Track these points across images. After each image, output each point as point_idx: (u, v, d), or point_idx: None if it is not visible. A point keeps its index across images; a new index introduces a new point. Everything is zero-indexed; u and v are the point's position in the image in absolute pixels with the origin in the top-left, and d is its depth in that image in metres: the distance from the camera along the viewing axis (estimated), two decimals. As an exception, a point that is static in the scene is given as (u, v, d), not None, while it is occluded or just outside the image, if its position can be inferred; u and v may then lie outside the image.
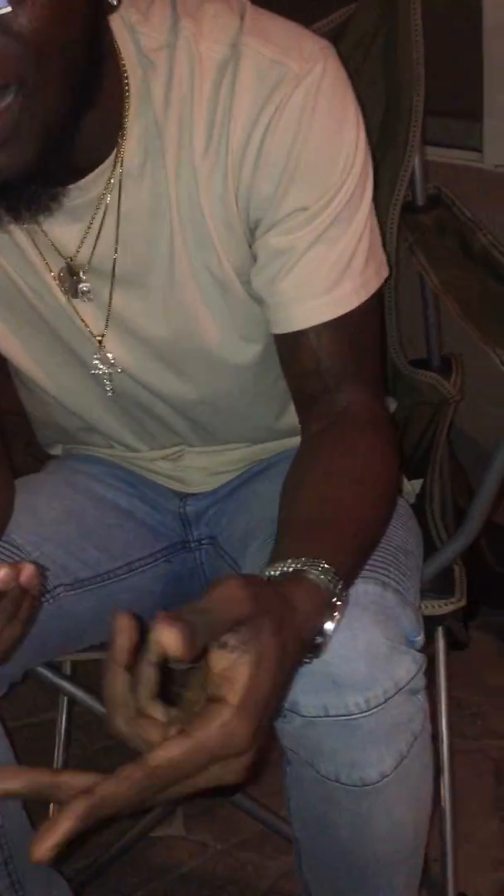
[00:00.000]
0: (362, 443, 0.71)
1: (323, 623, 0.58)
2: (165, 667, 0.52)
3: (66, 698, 1.10)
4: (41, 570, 0.59)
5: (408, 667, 0.64)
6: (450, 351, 1.12)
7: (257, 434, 0.87)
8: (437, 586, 0.79)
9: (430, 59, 0.98)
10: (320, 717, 0.62)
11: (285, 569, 0.57)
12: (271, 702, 0.51)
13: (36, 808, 0.85)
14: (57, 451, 0.99)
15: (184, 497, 0.93)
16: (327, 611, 0.58)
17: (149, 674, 0.52)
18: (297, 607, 0.54)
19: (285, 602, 0.54)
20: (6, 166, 0.59)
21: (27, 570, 0.58)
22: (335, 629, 0.58)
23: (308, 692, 0.62)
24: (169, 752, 0.48)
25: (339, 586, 0.58)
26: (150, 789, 0.49)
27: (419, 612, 0.69)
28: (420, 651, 0.66)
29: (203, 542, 0.94)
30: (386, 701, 0.62)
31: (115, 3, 0.62)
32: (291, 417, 0.85)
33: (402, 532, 0.76)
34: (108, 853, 1.11)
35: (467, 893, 1.02)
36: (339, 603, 0.58)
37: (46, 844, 0.46)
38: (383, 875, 0.72)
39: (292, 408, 0.85)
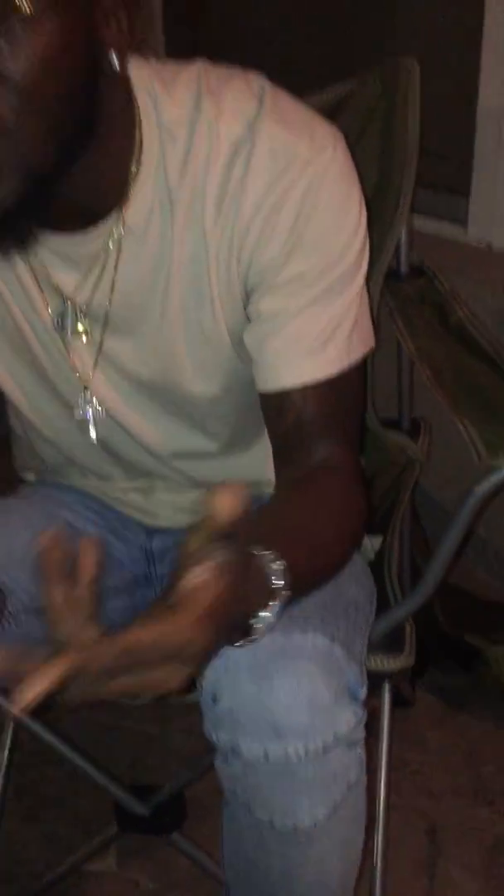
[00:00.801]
0: (335, 486, 0.74)
1: (261, 609, 0.61)
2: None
3: (11, 722, 1.11)
4: (2, 596, 0.60)
5: (348, 719, 0.66)
6: (419, 414, 1.16)
7: (229, 479, 0.90)
8: (388, 642, 0.81)
9: (423, 133, 1.03)
10: (259, 760, 0.64)
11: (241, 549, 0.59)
12: (221, 632, 0.55)
13: None
14: (30, 477, 1.02)
15: (151, 532, 0.95)
16: (268, 599, 0.61)
17: (86, 593, 0.55)
18: (246, 578, 0.58)
19: (242, 567, 0.57)
20: None
21: None
22: (266, 625, 0.61)
23: (250, 737, 0.64)
24: (140, 633, 0.51)
25: (284, 582, 0.61)
26: (117, 667, 0.51)
27: (363, 666, 0.71)
28: (362, 705, 0.68)
29: (164, 578, 0.96)
30: (325, 751, 0.64)
31: (116, 69, 0.65)
32: (264, 467, 0.88)
33: (354, 587, 0.79)
34: (39, 883, 1.10)
35: None
36: (278, 596, 0.61)
37: (30, 693, 0.48)
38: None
39: (266, 458, 0.88)
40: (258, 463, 0.89)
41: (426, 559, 1.11)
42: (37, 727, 0.97)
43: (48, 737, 0.94)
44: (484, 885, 1.13)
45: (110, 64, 0.64)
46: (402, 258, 1.08)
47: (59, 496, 0.96)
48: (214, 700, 0.68)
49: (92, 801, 1.22)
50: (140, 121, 0.70)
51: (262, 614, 0.61)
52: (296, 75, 0.86)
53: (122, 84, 0.69)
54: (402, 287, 1.08)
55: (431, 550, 1.14)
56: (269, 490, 0.87)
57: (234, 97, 0.71)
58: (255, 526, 0.62)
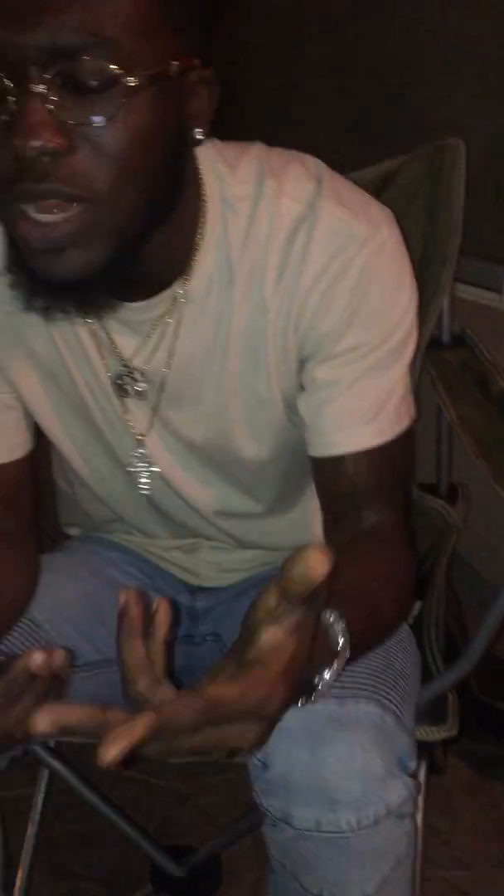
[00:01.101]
0: (385, 551, 0.76)
1: (323, 669, 0.61)
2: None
3: (46, 774, 1.11)
4: (70, 655, 0.62)
5: (400, 791, 0.67)
6: (457, 480, 1.18)
7: (273, 541, 0.92)
8: (430, 712, 0.82)
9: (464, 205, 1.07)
10: (312, 830, 0.65)
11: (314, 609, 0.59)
12: (296, 690, 0.55)
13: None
14: (73, 532, 1.03)
15: (194, 591, 0.97)
16: (330, 659, 0.61)
17: (160, 650, 0.55)
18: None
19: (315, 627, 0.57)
20: (76, 266, 0.64)
21: (59, 656, 0.60)
22: (326, 686, 0.62)
23: (303, 805, 0.65)
24: (222, 689, 0.52)
25: (345, 642, 0.62)
26: (198, 723, 0.51)
27: (414, 737, 0.72)
28: (412, 776, 0.69)
29: (207, 637, 0.97)
30: (376, 822, 0.65)
31: (199, 138, 0.68)
32: (305, 528, 0.90)
33: (402, 656, 0.80)
34: None
35: None
36: (340, 656, 0.62)
37: (115, 748, 0.49)
38: None
39: (307, 519, 0.90)
40: (300, 524, 0.91)
41: (458, 622, 1.11)
42: (74, 781, 0.97)
43: (86, 792, 0.95)
44: None
45: (193, 137, 0.68)
46: (444, 327, 1.11)
47: (105, 553, 0.98)
48: (265, 766, 0.68)
49: (120, 859, 1.21)
50: (205, 196, 0.73)
51: (325, 674, 0.62)
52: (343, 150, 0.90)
53: (193, 159, 0.73)
54: (444, 355, 1.11)
55: (462, 610, 1.15)
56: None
57: (295, 177, 0.74)
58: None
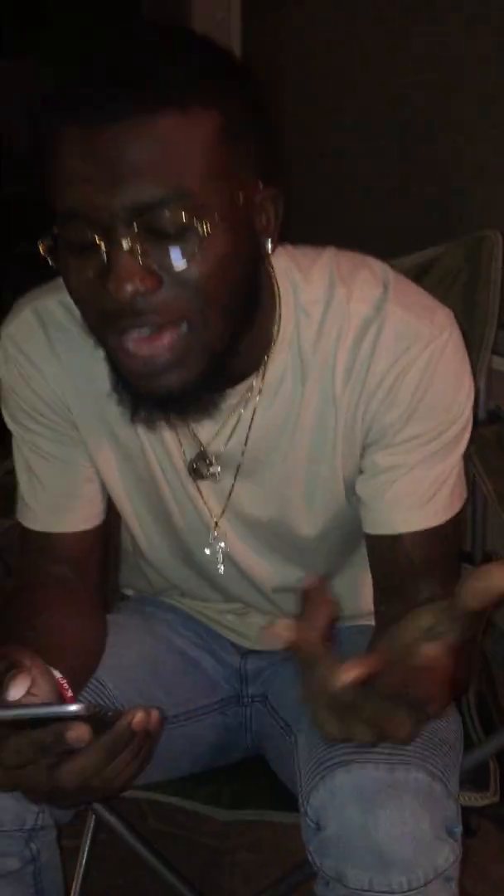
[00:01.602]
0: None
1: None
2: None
3: (91, 827, 1.15)
4: (162, 715, 0.67)
5: (447, 855, 0.71)
6: (491, 549, 1.23)
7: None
8: (472, 778, 0.86)
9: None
10: (364, 890, 0.69)
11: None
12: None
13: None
14: (129, 592, 1.09)
15: (245, 654, 1.02)
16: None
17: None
18: None
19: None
20: (175, 384, 0.72)
21: (155, 715, 0.66)
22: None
23: (356, 865, 0.69)
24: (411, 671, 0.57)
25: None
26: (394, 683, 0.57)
27: (458, 804, 0.77)
28: (457, 841, 0.73)
29: (255, 698, 1.02)
30: (426, 884, 0.69)
31: (270, 250, 0.76)
32: (355, 600, 0.95)
33: (445, 725, 0.84)
34: None
35: None
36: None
37: (354, 671, 0.55)
38: None
39: (358, 592, 0.95)
40: (347, 593, 0.96)
41: (489, 683, 1.15)
42: (126, 833, 1.01)
43: (135, 843, 0.99)
44: None
45: (264, 248, 0.75)
46: (481, 405, 1.17)
47: (160, 614, 1.03)
48: (318, 827, 0.73)
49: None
50: (280, 299, 0.81)
51: None
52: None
53: (268, 265, 0.80)
54: (481, 432, 1.17)
55: (494, 678, 1.19)
56: (359, 621, 0.93)
57: (363, 282, 0.81)
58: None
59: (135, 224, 0.67)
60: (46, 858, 0.83)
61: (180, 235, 0.68)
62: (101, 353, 0.82)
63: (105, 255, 0.68)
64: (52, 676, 0.70)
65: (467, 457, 1.14)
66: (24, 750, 0.63)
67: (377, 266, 0.84)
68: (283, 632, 0.59)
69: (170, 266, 0.69)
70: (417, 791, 0.71)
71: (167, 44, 0.70)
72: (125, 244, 0.67)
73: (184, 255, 0.69)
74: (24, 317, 0.87)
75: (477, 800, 0.85)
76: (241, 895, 1.06)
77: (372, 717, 0.58)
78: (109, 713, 0.65)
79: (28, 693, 0.67)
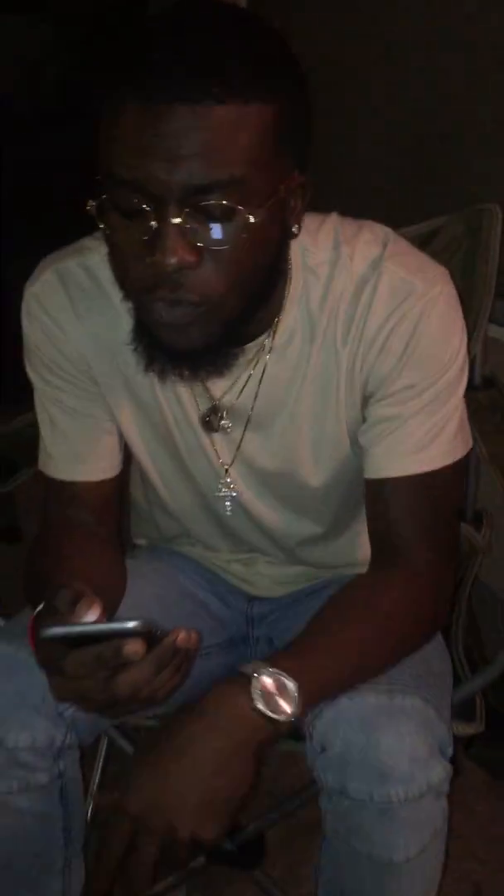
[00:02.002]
0: (405, 590, 0.86)
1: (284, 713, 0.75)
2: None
3: (104, 751, 1.23)
4: (200, 635, 0.76)
5: (440, 772, 0.79)
6: (482, 507, 1.30)
7: (324, 560, 1.04)
8: (461, 711, 0.94)
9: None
10: (365, 800, 0.77)
11: (259, 669, 0.76)
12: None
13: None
14: (141, 542, 1.16)
15: (251, 599, 1.09)
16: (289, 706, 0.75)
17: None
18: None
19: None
20: (192, 343, 0.79)
21: (194, 636, 0.74)
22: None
23: (358, 780, 0.77)
24: None
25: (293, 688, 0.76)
26: None
27: (450, 728, 0.85)
28: (448, 762, 0.81)
29: (260, 640, 1.09)
30: (420, 796, 0.77)
31: (295, 233, 0.82)
32: (353, 551, 1.02)
33: (438, 662, 0.93)
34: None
35: None
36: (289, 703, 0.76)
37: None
38: None
39: (355, 543, 1.02)
40: (348, 548, 1.03)
41: (475, 637, 1.23)
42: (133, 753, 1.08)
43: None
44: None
45: (291, 231, 0.81)
46: (476, 370, 1.23)
47: (173, 561, 1.10)
48: (323, 749, 0.81)
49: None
50: (290, 262, 0.86)
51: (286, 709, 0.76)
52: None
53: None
54: (476, 396, 1.23)
55: (479, 628, 1.27)
56: (358, 570, 1.00)
57: (365, 242, 0.87)
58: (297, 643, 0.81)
59: (187, 205, 0.72)
60: (71, 775, 0.91)
61: (225, 218, 0.74)
62: (118, 312, 0.89)
63: (154, 226, 0.73)
64: (100, 606, 0.78)
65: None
66: (87, 662, 0.71)
67: (378, 228, 0.90)
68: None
69: (211, 245, 0.74)
70: (413, 715, 0.79)
71: (235, 32, 0.75)
72: (175, 220, 0.72)
73: (226, 236, 0.74)
74: (47, 277, 0.92)
75: (465, 729, 0.93)
76: (249, 818, 1.14)
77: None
78: (158, 632, 0.72)
79: (75, 617, 0.74)
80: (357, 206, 0.97)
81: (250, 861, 1.11)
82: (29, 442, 1.17)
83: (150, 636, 0.71)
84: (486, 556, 1.23)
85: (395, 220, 1.08)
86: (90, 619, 0.74)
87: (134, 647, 0.70)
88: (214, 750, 0.73)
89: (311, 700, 0.77)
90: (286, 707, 0.75)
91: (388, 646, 0.85)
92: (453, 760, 0.91)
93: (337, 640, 0.82)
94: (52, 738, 0.87)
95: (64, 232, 0.95)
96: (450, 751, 0.82)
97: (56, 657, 0.72)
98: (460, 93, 1.61)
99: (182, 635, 0.73)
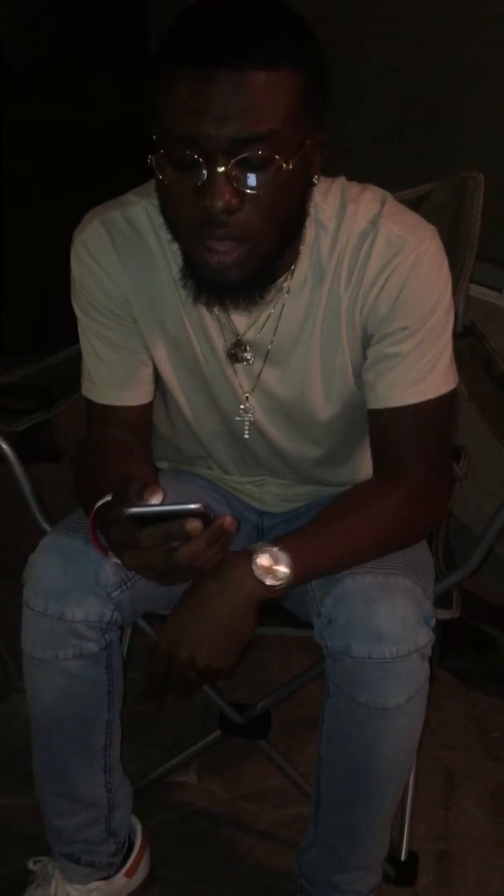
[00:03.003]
0: (399, 496, 1.02)
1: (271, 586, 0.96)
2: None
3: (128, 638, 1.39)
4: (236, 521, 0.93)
5: (425, 637, 0.97)
6: (461, 443, 1.48)
7: (329, 480, 1.20)
8: (441, 601, 1.12)
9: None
10: (365, 658, 0.95)
11: (261, 546, 0.96)
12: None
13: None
14: (164, 465, 1.33)
15: (262, 514, 1.26)
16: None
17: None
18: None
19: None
20: (234, 279, 0.94)
21: (236, 521, 0.91)
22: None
23: (358, 640, 0.95)
24: None
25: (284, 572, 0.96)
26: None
27: (433, 607, 1.03)
28: (432, 631, 1.00)
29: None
30: (408, 654, 0.95)
31: (315, 182, 0.98)
32: (355, 473, 1.19)
33: (424, 556, 1.11)
34: (137, 786, 1.40)
35: (416, 852, 1.33)
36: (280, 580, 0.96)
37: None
38: (383, 785, 1.04)
39: (357, 467, 1.18)
40: (351, 470, 1.19)
41: (450, 561, 1.40)
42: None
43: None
44: (489, 814, 1.43)
45: (312, 181, 0.97)
46: (459, 320, 1.39)
47: (193, 480, 1.26)
48: (330, 621, 0.99)
49: (174, 729, 1.52)
50: (309, 211, 1.01)
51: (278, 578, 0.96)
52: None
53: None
54: (458, 343, 1.38)
55: (453, 551, 1.44)
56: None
57: (367, 201, 1.03)
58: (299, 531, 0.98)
59: (232, 156, 0.87)
60: (115, 648, 1.08)
61: (263, 167, 0.89)
62: (155, 260, 1.04)
63: (204, 175, 0.88)
64: (163, 492, 0.94)
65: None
66: (158, 535, 0.87)
67: (378, 190, 1.06)
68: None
69: (251, 190, 0.89)
70: (404, 591, 0.97)
71: (267, 7, 0.90)
72: (222, 170, 0.88)
73: (263, 182, 0.89)
74: (94, 226, 1.06)
75: (445, 614, 1.11)
76: (257, 697, 1.31)
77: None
78: (212, 514, 0.89)
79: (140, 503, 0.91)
80: (351, 173, 1.13)
81: (258, 733, 1.29)
82: (64, 377, 1.32)
83: (206, 517, 0.88)
84: (459, 493, 1.41)
85: (387, 186, 1.24)
86: (155, 502, 0.90)
87: (195, 525, 0.86)
88: (223, 605, 0.96)
89: (300, 571, 0.97)
90: (281, 574, 0.95)
91: (376, 538, 1.01)
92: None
93: (330, 528, 1.00)
94: (102, 614, 1.04)
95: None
96: (433, 623, 1.00)
97: (131, 532, 0.88)
98: (450, 68, 1.76)
99: (229, 519, 0.89)
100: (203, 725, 1.49)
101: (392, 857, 1.29)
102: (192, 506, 0.87)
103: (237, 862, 1.35)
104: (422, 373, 1.03)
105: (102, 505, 0.94)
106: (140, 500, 0.90)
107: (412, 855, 1.33)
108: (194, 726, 1.45)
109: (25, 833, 1.35)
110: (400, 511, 1.03)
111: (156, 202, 0.99)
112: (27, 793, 1.25)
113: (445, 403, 1.06)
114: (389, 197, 1.05)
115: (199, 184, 0.89)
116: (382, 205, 1.03)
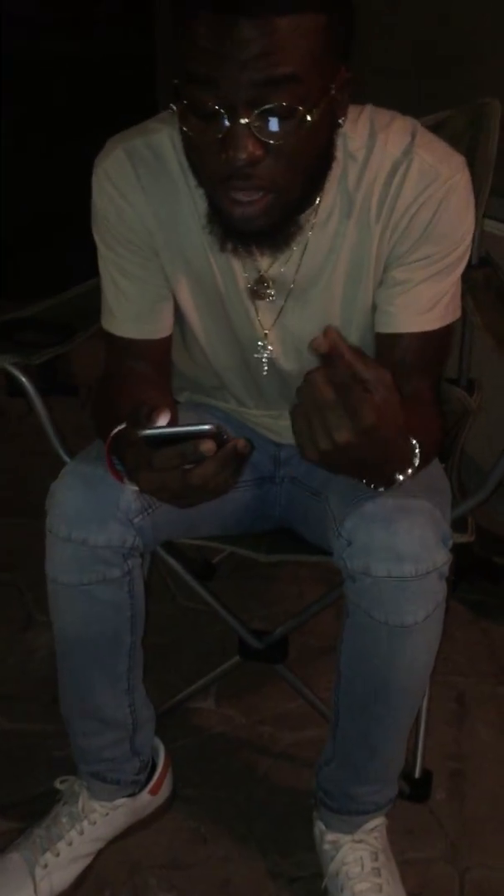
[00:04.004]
0: (424, 409, 1.05)
1: (403, 469, 0.94)
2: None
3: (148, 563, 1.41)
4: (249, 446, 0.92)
5: (443, 557, 0.99)
6: (475, 376, 1.49)
7: None
8: (457, 525, 1.14)
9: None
10: (384, 577, 0.97)
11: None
12: (391, 426, 0.85)
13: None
14: (183, 397, 1.33)
15: (278, 445, 1.27)
16: (408, 462, 0.93)
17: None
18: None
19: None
20: (261, 226, 0.94)
21: (248, 444, 0.91)
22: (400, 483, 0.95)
23: (378, 560, 0.97)
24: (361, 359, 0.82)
25: (420, 455, 0.95)
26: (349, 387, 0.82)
27: (450, 528, 1.04)
28: (449, 552, 1.02)
29: (285, 479, 1.28)
30: (427, 573, 0.98)
31: (341, 124, 0.96)
32: None
33: (440, 482, 1.13)
34: (157, 712, 1.44)
35: (430, 770, 1.37)
36: (415, 457, 0.94)
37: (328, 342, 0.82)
38: (401, 698, 1.07)
39: None
40: None
41: (462, 489, 1.42)
42: (185, 574, 1.29)
43: (192, 581, 1.27)
44: (500, 736, 1.47)
45: (338, 123, 0.96)
46: (473, 251, 1.38)
47: (211, 412, 1.27)
48: (349, 542, 1.00)
49: (193, 662, 1.56)
50: (333, 148, 1.00)
51: (402, 475, 0.94)
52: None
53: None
54: (472, 273, 1.39)
55: (463, 483, 1.46)
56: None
57: (397, 130, 1.02)
58: None
59: (254, 105, 0.86)
60: (137, 574, 1.11)
61: (287, 115, 0.87)
62: (179, 191, 1.03)
63: (227, 126, 0.87)
64: (172, 411, 0.94)
65: (462, 294, 1.39)
66: (172, 457, 0.87)
67: (407, 119, 1.04)
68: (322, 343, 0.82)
69: (275, 140, 0.88)
70: (423, 512, 0.99)
71: None
72: (244, 120, 0.86)
73: (287, 132, 0.88)
74: (116, 154, 1.05)
75: (460, 538, 1.13)
76: (273, 623, 1.35)
77: (348, 402, 0.82)
78: (225, 436, 0.89)
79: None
80: (369, 98, 1.11)
81: (277, 656, 1.33)
82: (81, 311, 1.33)
83: (219, 438, 0.89)
84: (472, 426, 1.42)
85: (405, 111, 1.23)
86: (162, 422, 0.91)
87: (208, 446, 0.87)
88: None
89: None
90: None
91: (426, 450, 0.99)
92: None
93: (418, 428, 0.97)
94: (125, 540, 1.06)
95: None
96: (450, 543, 1.02)
97: (146, 454, 0.89)
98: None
99: (242, 441, 0.90)
100: (221, 655, 1.52)
101: (406, 775, 1.34)
102: (206, 426, 0.87)
103: (256, 782, 1.40)
104: (432, 301, 1.04)
105: (118, 432, 0.95)
106: (150, 422, 0.91)
107: (426, 772, 1.37)
108: (213, 656, 1.49)
109: (52, 757, 1.39)
110: (424, 424, 1.03)
111: None
112: (53, 720, 1.29)
113: (448, 334, 1.08)
114: (419, 125, 1.04)
115: (221, 135, 0.88)
116: (413, 135, 1.02)
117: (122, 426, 0.96)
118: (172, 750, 1.37)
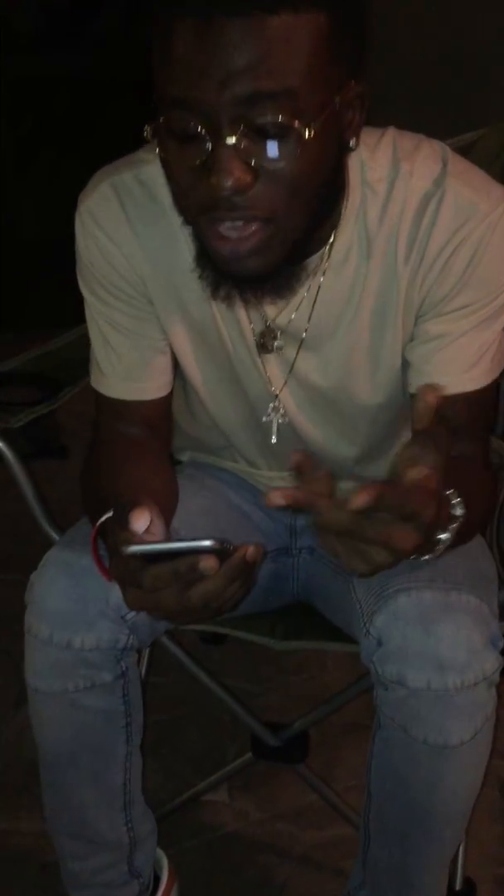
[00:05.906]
0: (474, 472, 0.90)
1: (443, 531, 0.76)
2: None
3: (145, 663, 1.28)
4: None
5: (493, 663, 0.83)
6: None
7: (365, 477, 1.06)
8: (501, 613, 0.98)
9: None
10: (423, 689, 0.81)
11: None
12: (439, 514, 0.70)
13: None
14: (184, 457, 1.19)
15: (294, 512, 1.12)
16: (448, 523, 0.76)
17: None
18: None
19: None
20: (257, 268, 0.79)
21: (260, 550, 0.76)
22: (444, 544, 0.77)
23: (416, 668, 0.81)
24: (389, 488, 0.65)
25: (462, 511, 0.77)
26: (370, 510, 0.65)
27: (499, 627, 0.88)
28: (499, 654, 0.86)
29: (303, 550, 1.13)
30: (475, 684, 0.82)
31: (353, 147, 0.82)
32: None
33: (485, 563, 0.97)
34: (163, 808, 1.28)
35: (473, 879, 1.20)
36: (456, 521, 0.77)
37: (361, 497, 0.63)
38: (442, 828, 0.91)
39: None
40: (388, 466, 1.04)
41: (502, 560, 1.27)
42: (191, 666, 1.13)
43: (201, 674, 1.12)
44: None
45: (349, 145, 0.81)
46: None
47: (217, 475, 1.12)
48: (380, 643, 0.85)
49: (201, 743, 1.40)
50: (348, 177, 0.86)
51: (444, 535, 0.76)
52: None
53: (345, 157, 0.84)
54: None
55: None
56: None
57: (425, 158, 0.87)
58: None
59: (240, 123, 0.72)
60: (132, 675, 0.96)
61: (280, 134, 0.73)
62: (175, 231, 0.88)
63: (209, 148, 0.73)
64: (162, 517, 0.79)
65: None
66: (163, 576, 0.73)
67: (435, 143, 0.89)
68: (278, 499, 0.68)
69: (267, 163, 0.74)
70: (469, 610, 0.83)
71: None
72: (230, 140, 0.72)
73: (281, 153, 0.74)
74: (102, 191, 0.91)
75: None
76: (291, 716, 1.20)
77: (380, 534, 0.66)
78: (230, 547, 0.74)
79: (146, 532, 0.76)
80: (389, 118, 0.97)
81: (295, 756, 1.17)
82: (69, 362, 1.18)
83: (221, 552, 0.74)
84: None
85: (433, 133, 1.08)
86: (137, 528, 0.75)
87: (209, 563, 0.72)
88: None
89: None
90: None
91: (474, 517, 0.84)
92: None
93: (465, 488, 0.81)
94: (116, 639, 0.91)
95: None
96: (500, 644, 0.86)
97: (133, 570, 0.74)
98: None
99: (251, 550, 0.75)
100: (233, 732, 1.37)
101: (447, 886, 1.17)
102: (206, 543, 0.72)
103: (275, 891, 1.23)
104: (476, 356, 0.89)
105: (105, 521, 0.80)
106: (127, 527, 0.76)
107: (468, 882, 1.20)
108: (223, 736, 1.33)
109: (45, 862, 1.24)
110: (486, 491, 0.92)
111: None
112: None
113: (495, 389, 0.94)
114: (449, 151, 0.89)
115: (203, 158, 0.74)
116: (444, 163, 0.87)
117: (110, 514, 0.81)
118: (178, 854, 1.21)
